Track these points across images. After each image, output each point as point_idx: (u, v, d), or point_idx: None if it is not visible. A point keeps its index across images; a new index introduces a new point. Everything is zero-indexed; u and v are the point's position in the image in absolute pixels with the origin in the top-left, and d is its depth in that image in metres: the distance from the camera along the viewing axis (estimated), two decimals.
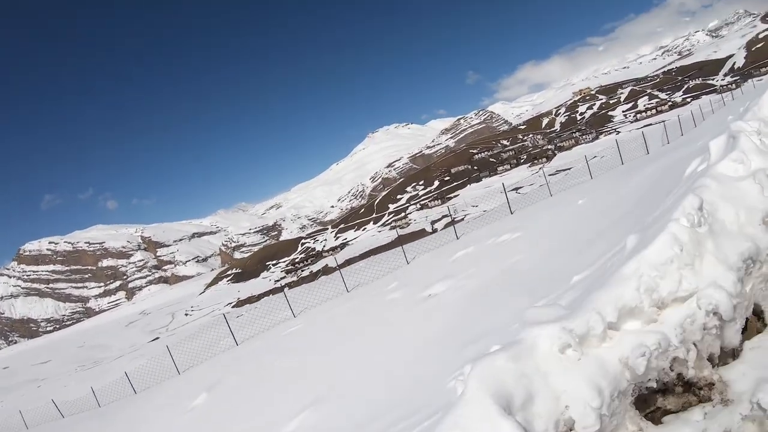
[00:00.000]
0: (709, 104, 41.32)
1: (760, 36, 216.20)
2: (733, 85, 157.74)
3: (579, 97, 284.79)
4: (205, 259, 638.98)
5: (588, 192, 21.13)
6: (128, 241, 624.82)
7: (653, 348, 4.09)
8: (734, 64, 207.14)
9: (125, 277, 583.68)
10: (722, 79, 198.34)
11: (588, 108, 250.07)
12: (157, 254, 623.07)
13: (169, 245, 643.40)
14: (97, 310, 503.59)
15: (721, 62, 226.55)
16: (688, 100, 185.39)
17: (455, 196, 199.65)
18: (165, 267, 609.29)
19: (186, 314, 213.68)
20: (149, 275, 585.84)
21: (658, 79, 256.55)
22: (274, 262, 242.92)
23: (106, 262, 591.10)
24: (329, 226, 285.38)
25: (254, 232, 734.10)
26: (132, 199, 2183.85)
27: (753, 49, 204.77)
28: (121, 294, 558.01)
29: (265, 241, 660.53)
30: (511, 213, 26.32)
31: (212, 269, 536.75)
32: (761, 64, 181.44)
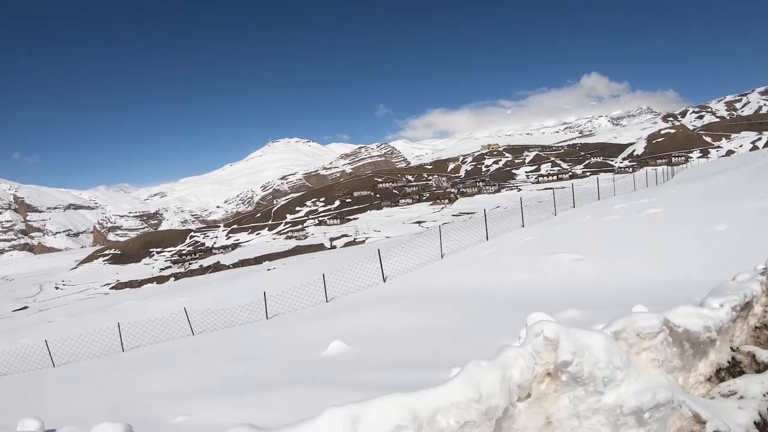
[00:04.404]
0: (611, 181, 44.83)
1: (661, 132, 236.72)
2: (630, 169, 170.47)
3: (487, 150, 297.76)
4: (76, 234, 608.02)
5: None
6: None
7: None
8: (633, 151, 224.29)
9: None
10: (621, 162, 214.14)
11: (494, 162, 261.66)
12: (27, 218, 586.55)
13: (42, 211, 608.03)
14: None
15: (622, 147, 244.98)
16: (587, 173, 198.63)
17: (355, 219, 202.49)
18: (33, 234, 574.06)
19: (56, 287, 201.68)
20: (14, 239, 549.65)
21: (562, 150, 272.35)
22: (158, 249, 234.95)
23: None
24: (221, 224, 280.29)
25: (133, 217, 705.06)
26: (14, 152, 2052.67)
27: (653, 141, 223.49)
28: None
29: (144, 228, 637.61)
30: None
31: (82, 246, 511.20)
32: (658, 156, 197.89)
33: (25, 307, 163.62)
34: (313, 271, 30.18)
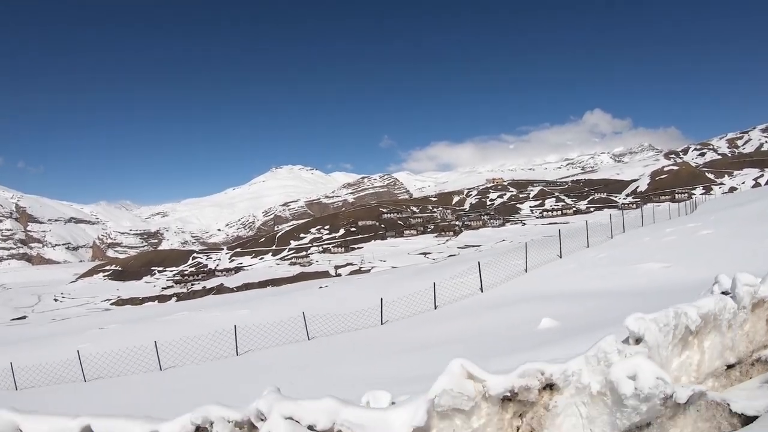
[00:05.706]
0: (610, 217, 45.21)
1: (665, 169, 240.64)
2: (634, 205, 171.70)
3: (492, 184, 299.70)
4: (76, 248, 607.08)
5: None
6: (1, 205, 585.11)
7: None
8: (637, 187, 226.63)
9: None
10: (624, 198, 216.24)
11: (499, 196, 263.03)
12: (28, 229, 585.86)
13: (43, 222, 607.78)
14: None
15: (626, 184, 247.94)
16: (591, 209, 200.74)
17: (359, 248, 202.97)
18: (32, 244, 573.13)
19: (55, 299, 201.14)
20: (13, 248, 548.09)
21: (566, 186, 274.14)
22: (160, 268, 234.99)
23: None
24: (224, 247, 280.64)
25: (134, 234, 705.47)
26: (19, 161, 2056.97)
27: (656, 178, 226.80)
28: None
29: (144, 246, 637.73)
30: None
31: (81, 260, 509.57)
32: (661, 192, 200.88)
33: (24, 317, 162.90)
34: (374, 289, 30.39)
